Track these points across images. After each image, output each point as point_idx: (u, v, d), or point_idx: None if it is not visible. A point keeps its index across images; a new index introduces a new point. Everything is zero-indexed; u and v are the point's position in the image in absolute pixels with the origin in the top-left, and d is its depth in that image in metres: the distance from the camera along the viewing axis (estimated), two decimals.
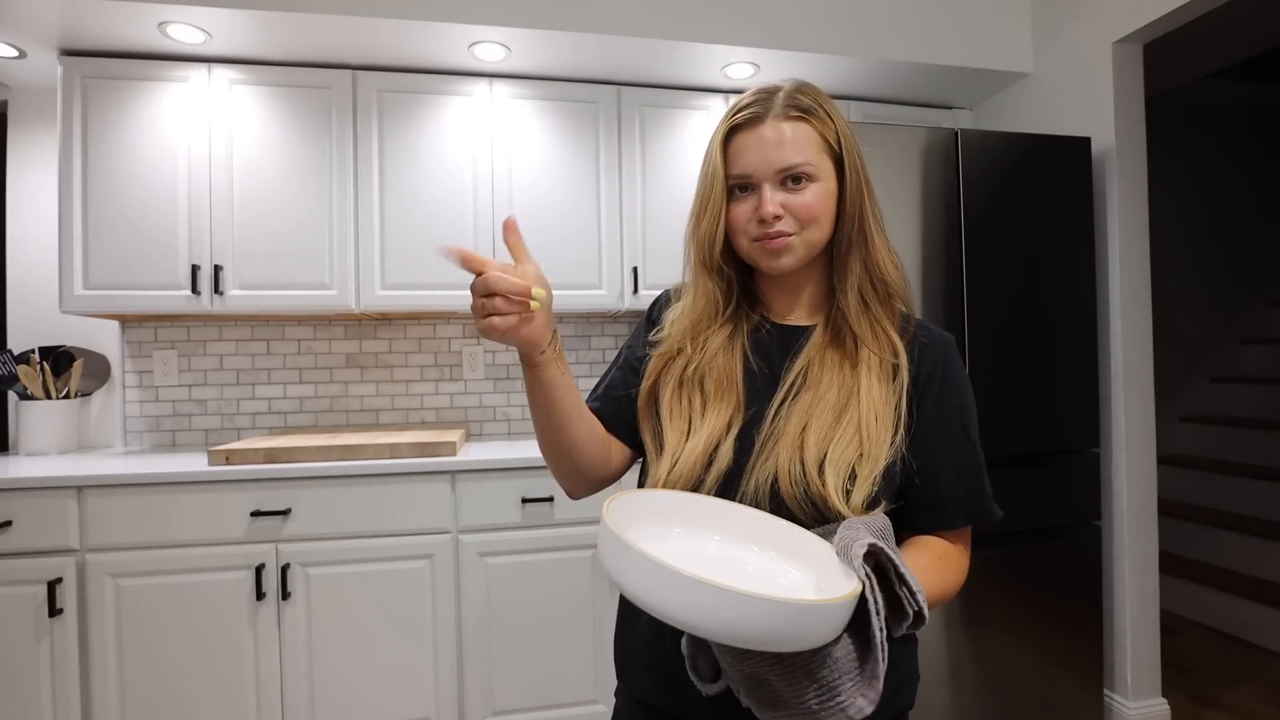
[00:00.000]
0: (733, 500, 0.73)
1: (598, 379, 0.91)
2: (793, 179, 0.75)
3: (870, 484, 0.69)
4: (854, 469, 0.70)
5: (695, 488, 0.74)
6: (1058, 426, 2.03)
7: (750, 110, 0.77)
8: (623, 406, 0.85)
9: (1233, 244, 3.84)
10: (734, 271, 0.83)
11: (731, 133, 0.78)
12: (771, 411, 0.75)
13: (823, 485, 0.69)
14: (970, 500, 0.77)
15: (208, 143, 2.07)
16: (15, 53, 2.03)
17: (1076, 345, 2.06)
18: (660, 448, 0.78)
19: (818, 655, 0.56)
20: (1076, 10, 2.19)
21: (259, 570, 1.79)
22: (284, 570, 1.80)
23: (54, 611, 1.69)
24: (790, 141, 0.75)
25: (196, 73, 2.06)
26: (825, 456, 0.70)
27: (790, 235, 0.76)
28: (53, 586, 1.69)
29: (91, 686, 1.73)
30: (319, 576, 1.83)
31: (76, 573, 1.72)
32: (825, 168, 0.76)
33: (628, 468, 0.87)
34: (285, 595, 1.80)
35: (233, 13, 1.86)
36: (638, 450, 0.85)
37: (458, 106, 2.21)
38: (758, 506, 0.71)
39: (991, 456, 2.19)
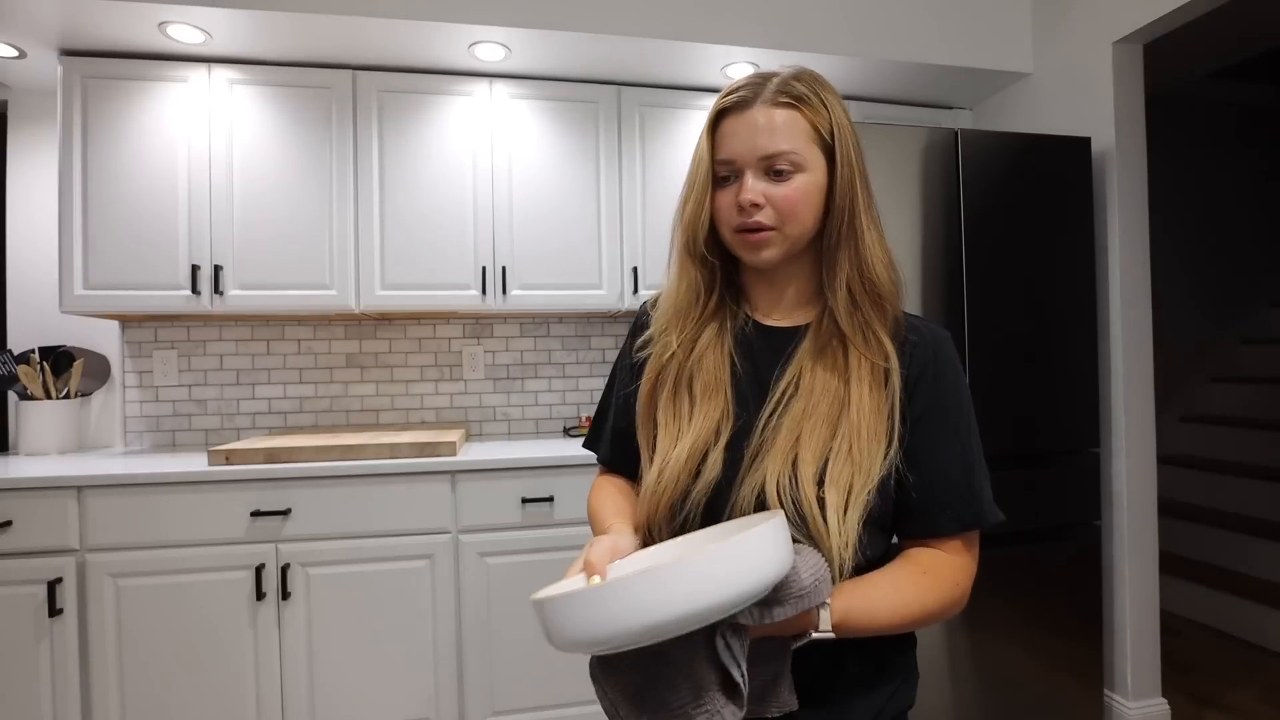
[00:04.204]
0: (723, 511, 0.71)
1: (597, 400, 0.91)
2: (776, 169, 0.72)
3: (864, 502, 0.67)
4: (850, 485, 0.67)
5: (683, 498, 0.72)
6: (1058, 426, 2.03)
7: (740, 94, 0.74)
8: (633, 444, 0.82)
9: (1233, 244, 3.84)
10: (719, 261, 0.80)
11: (720, 117, 0.75)
12: (761, 422, 0.72)
13: (822, 505, 0.66)
14: (962, 506, 0.72)
15: (208, 142, 2.07)
16: (15, 53, 2.03)
17: (1076, 345, 2.06)
18: (652, 455, 0.77)
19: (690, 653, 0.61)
20: (1076, 10, 2.19)
21: (259, 570, 1.78)
22: (284, 570, 1.80)
23: (54, 611, 1.69)
24: (778, 128, 0.72)
25: (196, 73, 2.06)
26: (825, 475, 0.68)
27: (770, 230, 0.73)
28: (53, 586, 1.69)
29: (91, 686, 1.73)
30: (319, 576, 1.83)
31: (76, 573, 1.72)
32: (814, 158, 0.73)
33: None
34: (285, 595, 1.80)
35: (233, 13, 1.86)
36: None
37: (458, 106, 2.21)
38: (748, 510, 0.70)
39: (991, 456, 2.17)
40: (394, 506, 1.87)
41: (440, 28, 1.98)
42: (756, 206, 0.72)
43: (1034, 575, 2.00)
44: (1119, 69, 2.07)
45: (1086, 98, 2.15)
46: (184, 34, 1.95)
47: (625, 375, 0.86)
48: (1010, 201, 2.00)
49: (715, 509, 0.71)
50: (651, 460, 0.76)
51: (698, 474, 0.72)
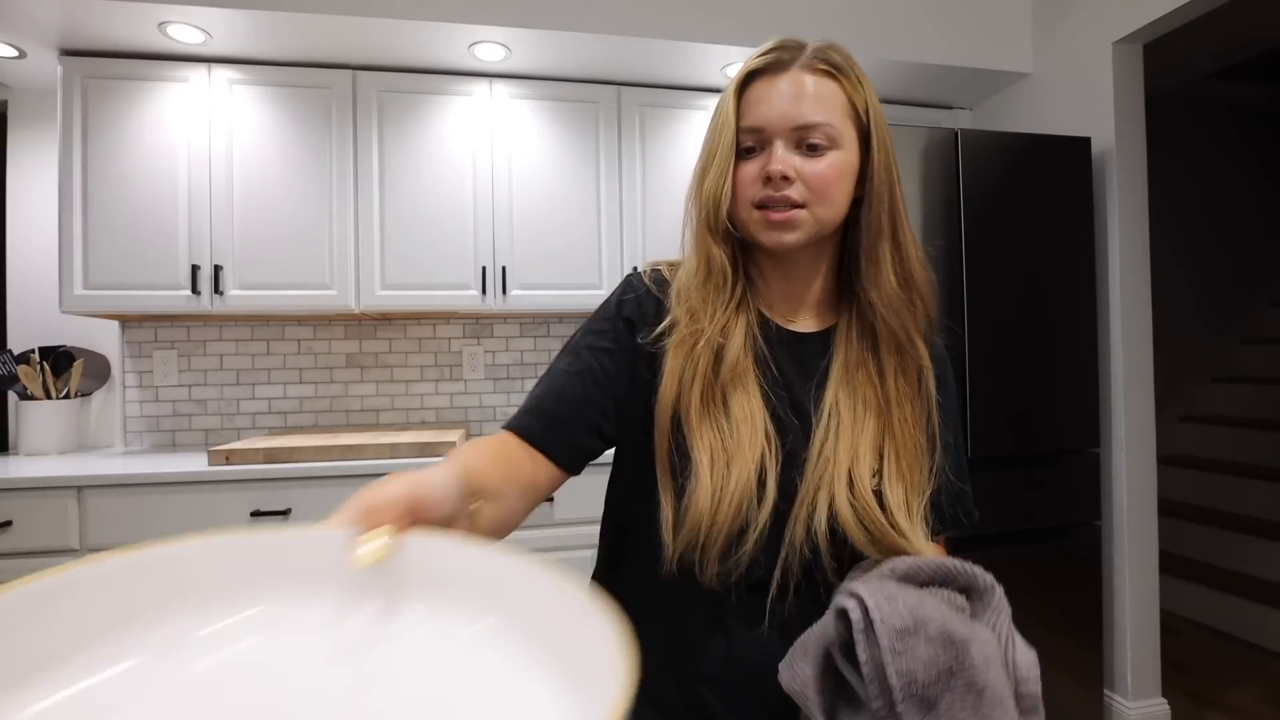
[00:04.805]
0: (782, 543, 0.65)
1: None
2: (810, 142, 0.65)
3: (923, 516, 0.66)
4: (908, 502, 0.66)
5: (743, 529, 0.64)
6: (1058, 426, 2.03)
7: (773, 55, 0.67)
8: (575, 420, 0.68)
9: (1233, 244, 3.84)
10: (739, 242, 0.71)
11: (749, 80, 0.68)
12: (814, 449, 0.67)
13: (895, 528, 0.64)
14: (958, 506, 0.75)
15: (208, 142, 2.07)
16: (15, 53, 2.03)
17: (1076, 345, 2.06)
18: (679, 474, 0.66)
19: None
20: (1076, 10, 2.19)
21: None
22: None
23: None
24: (813, 96, 0.65)
25: (196, 73, 2.06)
26: (883, 498, 0.65)
27: (799, 208, 0.65)
28: None
29: None
30: None
31: None
32: (849, 136, 0.66)
33: (557, 485, 0.69)
34: None
35: (233, 13, 1.86)
36: (571, 470, 0.69)
37: (458, 106, 2.21)
38: (813, 548, 0.64)
39: (992, 456, 2.16)
40: None
41: (440, 28, 1.98)
42: (786, 180, 0.65)
43: (1034, 575, 2.00)
44: (1119, 69, 2.07)
45: (1086, 98, 2.15)
46: (184, 34, 1.95)
47: (609, 354, 0.72)
48: (1010, 201, 2.00)
49: (775, 541, 0.65)
50: (674, 477, 0.67)
51: (759, 502, 0.64)
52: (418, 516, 0.43)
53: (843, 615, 0.55)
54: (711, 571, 0.64)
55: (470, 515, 0.50)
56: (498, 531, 0.58)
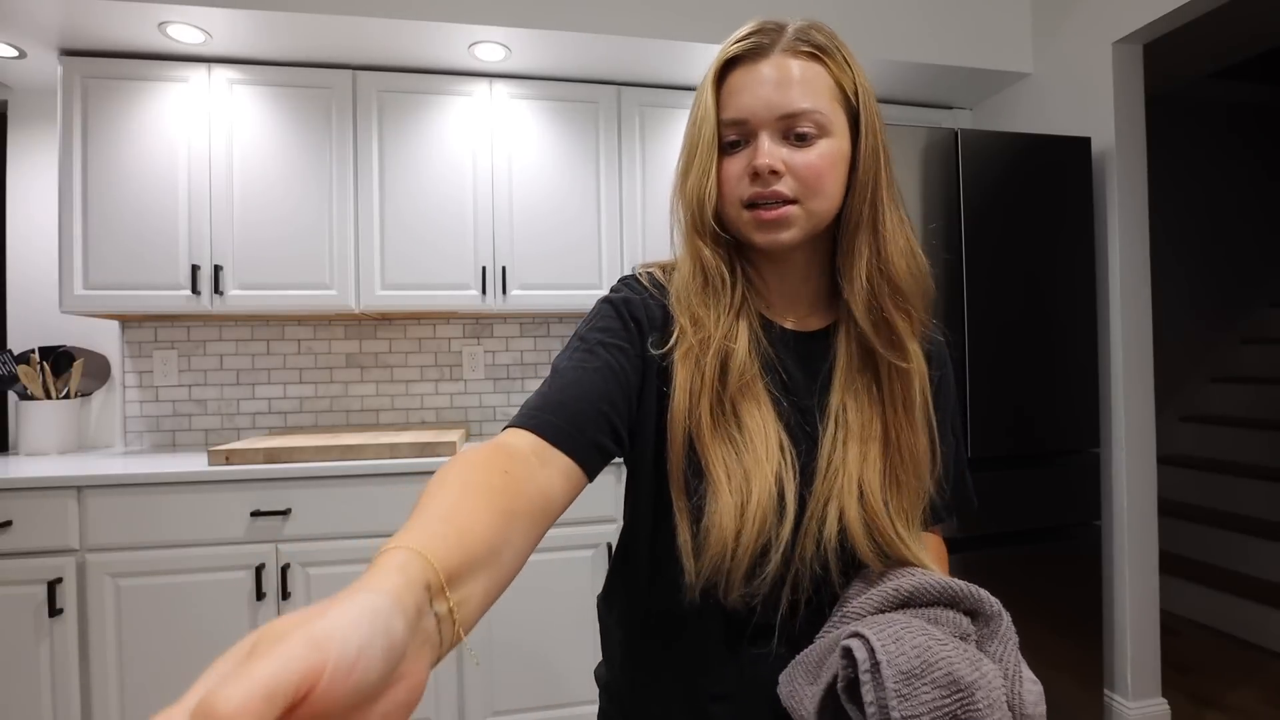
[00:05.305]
0: (793, 558, 0.63)
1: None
2: (798, 132, 0.61)
3: (921, 521, 0.66)
4: (908, 511, 0.65)
5: (767, 548, 0.61)
6: (1058, 426, 2.03)
7: (752, 40, 0.63)
8: (599, 417, 0.60)
9: (1233, 244, 3.84)
10: (733, 240, 0.67)
11: (727, 68, 0.64)
12: (823, 461, 0.65)
13: (900, 539, 0.63)
14: (956, 496, 0.75)
15: (208, 142, 2.07)
16: (15, 53, 2.03)
17: (1076, 345, 2.06)
18: (692, 493, 0.63)
19: None
20: (1076, 10, 2.19)
21: (259, 570, 1.78)
22: (284, 570, 1.80)
23: (54, 611, 1.69)
24: (798, 82, 0.61)
25: (196, 73, 2.06)
26: (889, 508, 0.64)
27: (791, 203, 0.62)
28: (53, 586, 1.69)
29: (91, 686, 1.73)
30: (319, 576, 1.83)
31: (76, 573, 1.72)
32: (838, 122, 0.62)
33: (574, 496, 0.58)
34: (285, 595, 1.80)
35: (233, 13, 1.86)
36: (591, 476, 0.60)
37: (458, 106, 2.21)
38: (824, 564, 0.63)
39: (992, 457, 2.16)
40: (394, 507, 1.87)
41: (440, 28, 1.98)
42: (775, 174, 0.61)
43: (1034, 575, 2.00)
44: (1119, 69, 2.07)
45: (1086, 98, 2.15)
46: (184, 34, 1.95)
47: (625, 353, 0.65)
48: (1010, 201, 2.00)
49: (789, 557, 0.63)
50: (688, 496, 0.63)
51: (780, 518, 0.62)
52: (321, 699, 0.26)
53: (848, 654, 0.55)
54: (736, 594, 0.61)
55: (439, 626, 0.35)
56: (497, 596, 0.44)
